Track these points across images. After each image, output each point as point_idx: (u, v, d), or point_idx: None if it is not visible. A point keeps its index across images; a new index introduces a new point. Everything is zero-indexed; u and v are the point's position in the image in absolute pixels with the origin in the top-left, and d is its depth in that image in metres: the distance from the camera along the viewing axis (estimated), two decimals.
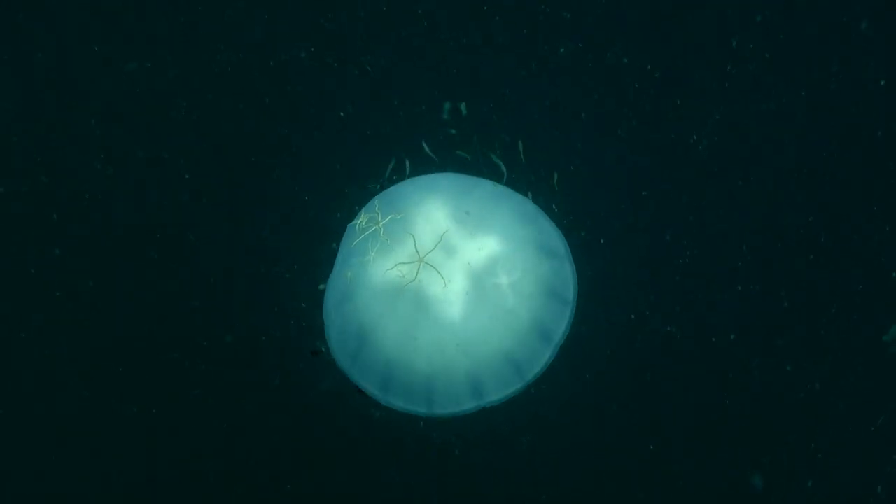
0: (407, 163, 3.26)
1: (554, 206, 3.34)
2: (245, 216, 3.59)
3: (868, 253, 3.54)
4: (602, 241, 3.54)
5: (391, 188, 3.04)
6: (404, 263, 2.77)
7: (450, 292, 2.82)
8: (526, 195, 3.16)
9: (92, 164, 3.59)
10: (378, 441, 3.69)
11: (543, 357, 3.02)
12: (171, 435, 3.73)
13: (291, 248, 3.52)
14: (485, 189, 3.05)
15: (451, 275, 2.82)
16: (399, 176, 3.21)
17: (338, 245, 3.12)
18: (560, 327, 3.04)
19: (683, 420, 3.66)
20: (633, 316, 3.51)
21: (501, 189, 3.11)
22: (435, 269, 2.76)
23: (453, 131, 3.36)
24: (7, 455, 3.77)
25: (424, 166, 3.27)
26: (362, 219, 2.87)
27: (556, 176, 3.30)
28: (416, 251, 2.77)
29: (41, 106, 3.59)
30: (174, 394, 3.70)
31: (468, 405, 3.00)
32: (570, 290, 3.07)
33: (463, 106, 3.35)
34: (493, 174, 3.27)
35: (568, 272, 3.08)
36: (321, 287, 3.30)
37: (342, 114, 3.49)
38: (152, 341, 3.67)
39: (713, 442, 3.67)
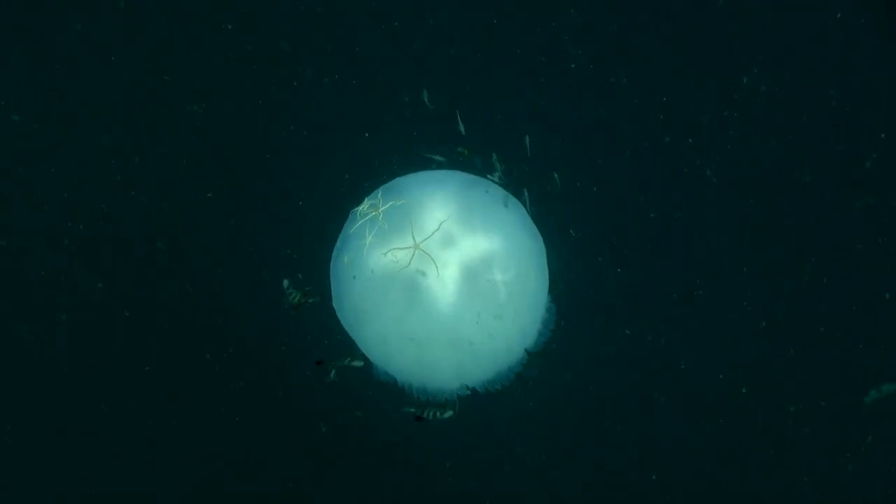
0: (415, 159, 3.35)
1: (572, 231, 3.40)
2: (248, 222, 3.71)
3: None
4: (616, 265, 3.58)
5: (397, 179, 3.09)
6: (400, 248, 2.81)
7: (443, 282, 2.84)
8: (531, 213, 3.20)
9: (100, 170, 3.72)
10: (376, 442, 3.71)
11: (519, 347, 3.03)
12: (173, 436, 3.80)
13: (294, 252, 3.64)
14: (489, 189, 3.08)
15: (446, 266, 2.85)
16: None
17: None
18: (538, 330, 3.06)
19: (680, 441, 3.63)
20: (628, 332, 3.52)
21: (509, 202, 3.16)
22: (429, 256, 2.80)
23: (462, 150, 3.44)
24: (29, 458, 3.88)
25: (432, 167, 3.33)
26: (364, 205, 2.93)
27: (556, 175, 3.36)
28: (413, 238, 2.82)
29: (46, 109, 3.73)
30: (176, 396, 3.77)
31: (451, 387, 3.02)
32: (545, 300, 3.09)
33: (427, 98, 3.43)
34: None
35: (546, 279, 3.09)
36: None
37: (367, 134, 3.63)
38: (154, 345, 3.77)
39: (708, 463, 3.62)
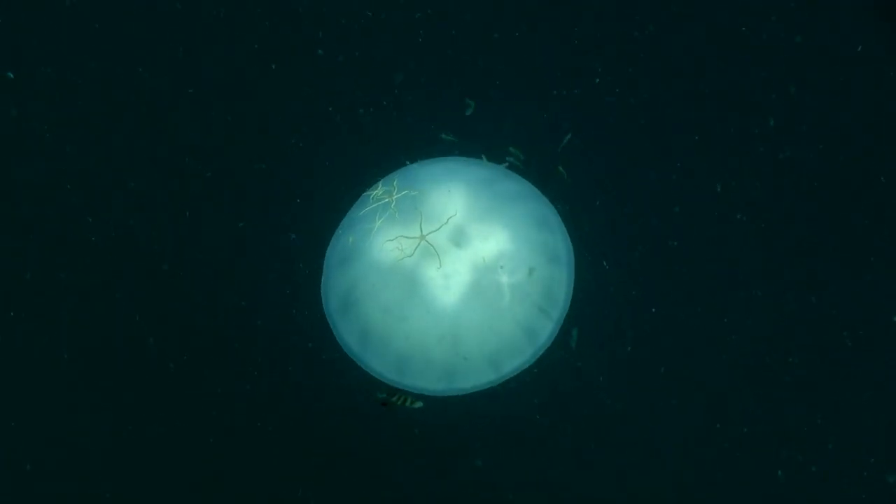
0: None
1: (605, 264, 3.42)
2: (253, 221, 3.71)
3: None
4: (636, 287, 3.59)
5: (414, 166, 3.10)
6: (406, 237, 2.83)
7: (445, 278, 2.85)
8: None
9: (105, 169, 3.72)
10: (376, 445, 3.70)
11: (523, 358, 3.00)
12: (172, 437, 3.74)
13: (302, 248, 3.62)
14: (507, 183, 3.10)
15: (452, 263, 2.86)
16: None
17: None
18: (544, 335, 3.03)
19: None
20: (629, 349, 3.52)
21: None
22: (433, 247, 2.82)
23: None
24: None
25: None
26: (378, 190, 2.94)
27: (562, 169, 3.38)
28: (420, 229, 2.83)
29: (50, 110, 3.73)
30: (175, 397, 3.72)
31: (438, 386, 3.01)
32: (559, 304, 3.07)
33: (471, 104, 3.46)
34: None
35: (564, 283, 3.08)
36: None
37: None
38: (159, 344, 3.72)
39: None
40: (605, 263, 3.46)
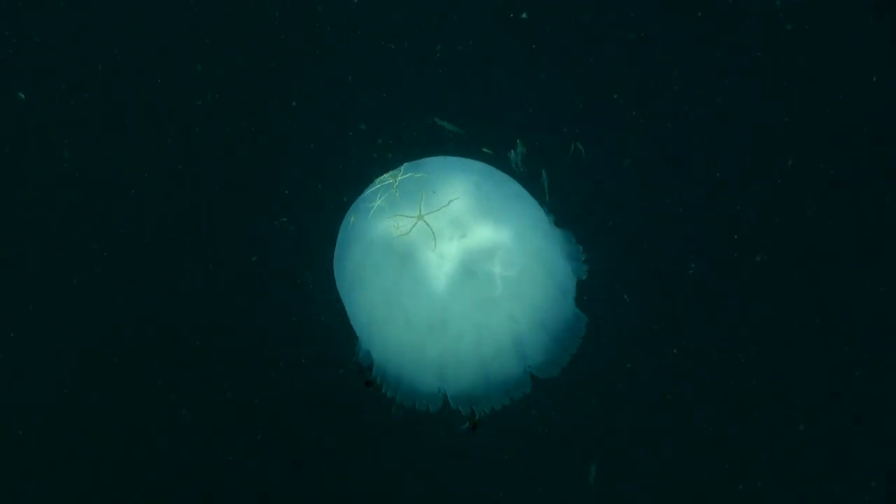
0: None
1: (625, 297, 3.45)
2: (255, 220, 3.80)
3: None
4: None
5: (424, 159, 3.16)
6: (404, 216, 2.88)
7: (440, 262, 2.88)
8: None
9: (104, 168, 3.82)
10: (376, 450, 3.69)
11: (514, 364, 2.98)
12: (172, 438, 3.80)
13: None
14: (514, 188, 3.13)
15: (448, 248, 2.88)
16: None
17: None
18: (539, 352, 3.01)
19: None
20: (629, 365, 3.46)
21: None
22: (430, 227, 2.86)
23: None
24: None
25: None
26: (385, 175, 3.02)
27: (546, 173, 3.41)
28: (420, 208, 2.88)
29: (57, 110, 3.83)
30: (175, 397, 3.77)
31: (432, 385, 3.00)
32: (563, 326, 3.05)
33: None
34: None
35: (569, 307, 3.07)
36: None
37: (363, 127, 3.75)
38: (164, 339, 3.79)
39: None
40: (624, 296, 3.45)
